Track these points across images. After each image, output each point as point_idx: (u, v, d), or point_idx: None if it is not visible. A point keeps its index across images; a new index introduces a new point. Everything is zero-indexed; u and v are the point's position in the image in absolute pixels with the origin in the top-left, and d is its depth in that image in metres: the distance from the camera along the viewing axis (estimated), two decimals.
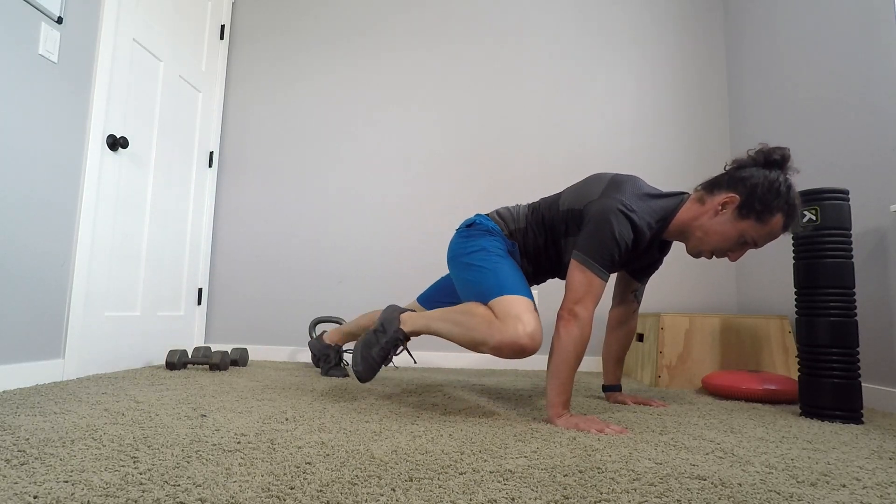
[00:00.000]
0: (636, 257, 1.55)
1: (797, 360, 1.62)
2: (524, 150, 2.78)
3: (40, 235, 1.74)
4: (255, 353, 2.73)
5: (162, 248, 2.42)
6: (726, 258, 1.35)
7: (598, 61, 2.83)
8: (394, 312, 1.55)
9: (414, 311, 1.59)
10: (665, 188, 2.72)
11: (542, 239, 1.53)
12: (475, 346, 1.37)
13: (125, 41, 2.13)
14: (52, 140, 1.79)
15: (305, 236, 2.80)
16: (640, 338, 2.36)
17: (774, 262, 2.34)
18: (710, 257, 1.44)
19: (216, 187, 2.85)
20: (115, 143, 2.05)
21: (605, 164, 2.75)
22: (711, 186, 1.40)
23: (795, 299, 1.61)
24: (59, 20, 1.80)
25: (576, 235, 1.44)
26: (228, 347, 2.75)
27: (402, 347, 1.53)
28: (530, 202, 1.66)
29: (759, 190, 1.31)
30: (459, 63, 2.86)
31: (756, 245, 1.37)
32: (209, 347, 2.32)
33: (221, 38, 2.90)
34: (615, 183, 1.40)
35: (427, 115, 2.83)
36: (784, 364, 2.07)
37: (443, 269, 2.71)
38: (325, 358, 2.17)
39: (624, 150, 2.76)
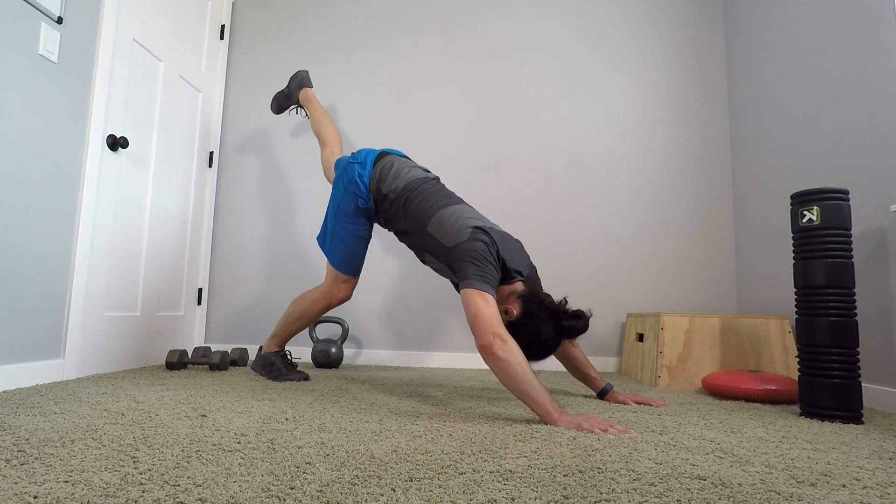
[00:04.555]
0: None
1: (797, 360, 1.62)
2: (524, 150, 2.78)
3: (40, 235, 1.74)
4: (255, 353, 2.72)
5: (162, 248, 2.42)
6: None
7: (598, 62, 2.83)
8: (259, 356, 2.09)
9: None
10: (664, 188, 2.72)
11: (402, 222, 1.74)
12: (306, 313, 1.99)
13: (125, 41, 2.13)
14: (52, 140, 1.79)
15: (305, 236, 2.80)
16: (641, 338, 2.36)
17: (774, 262, 2.34)
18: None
19: (216, 187, 2.85)
20: (115, 142, 2.05)
21: (606, 164, 2.75)
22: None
23: (795, 299, 1.61)
24: (59, 20, 1.80)
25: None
26: (228, 347, 2.75)
27: (288, 358, 2.07)
28: (424, 178, 1.79)
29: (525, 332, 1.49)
30: (460, 65, 2.86)
31: None
32: (209, 347, 2.32)
33: (221, 38, 2.90)
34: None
35: (426, 116, 2.83)
36: (784, 364, 2.07)
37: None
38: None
39: (624, 149, 2.76)
